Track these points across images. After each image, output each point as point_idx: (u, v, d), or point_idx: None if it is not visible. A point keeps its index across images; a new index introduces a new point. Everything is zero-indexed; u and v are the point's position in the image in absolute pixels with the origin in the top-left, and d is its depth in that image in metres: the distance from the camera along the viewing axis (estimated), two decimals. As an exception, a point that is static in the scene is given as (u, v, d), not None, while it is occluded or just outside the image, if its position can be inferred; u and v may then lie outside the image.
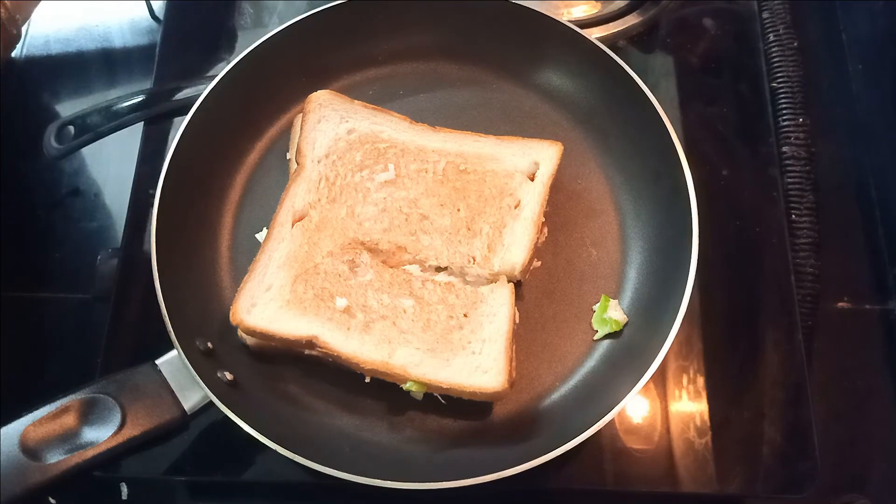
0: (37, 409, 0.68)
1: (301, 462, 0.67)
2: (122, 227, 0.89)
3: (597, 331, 0.80)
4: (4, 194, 0.96)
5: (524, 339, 0.79)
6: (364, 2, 0.88)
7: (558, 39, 0.87)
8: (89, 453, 0.68)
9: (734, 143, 0.93)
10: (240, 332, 0.76)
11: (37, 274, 0.93)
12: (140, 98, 0.93)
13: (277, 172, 0.87)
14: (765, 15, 1.01)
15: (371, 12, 0.89)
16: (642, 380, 0.70)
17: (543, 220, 0.81)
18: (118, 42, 1.07)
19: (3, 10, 0.87)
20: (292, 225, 0.79)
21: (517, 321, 0.78)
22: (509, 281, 0.78)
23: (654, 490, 0.78)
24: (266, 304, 0.75)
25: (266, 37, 0.85)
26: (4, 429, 0.67)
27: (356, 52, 0.91)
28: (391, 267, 0.78)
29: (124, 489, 0.79)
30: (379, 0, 0.89)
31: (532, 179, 0.82)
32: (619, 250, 0.84)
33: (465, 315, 0.76)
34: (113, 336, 0.83)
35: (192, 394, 0.71)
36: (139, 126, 0.93)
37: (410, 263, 0.79)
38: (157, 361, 0.73)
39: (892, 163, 0.95)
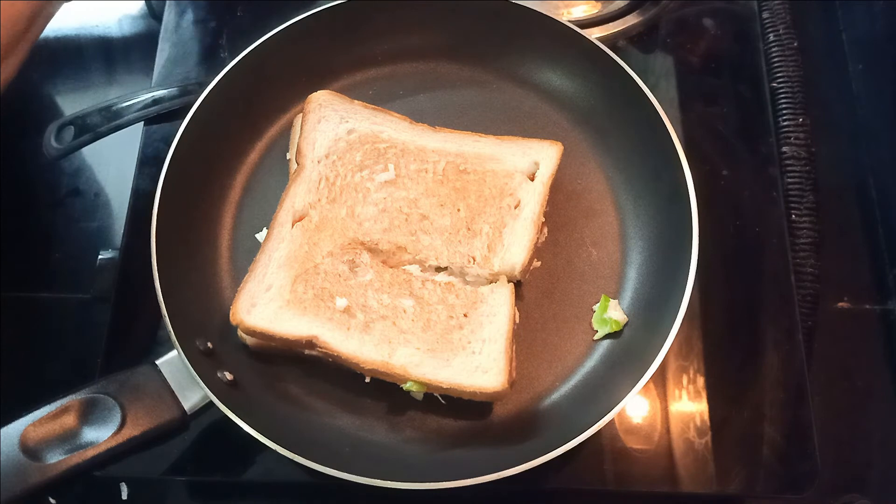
0: (37, 409, 0.68)
1: (301, 462, 0.67)
2: (122, 227, 0.89)
3: (597, 331, 0.80)
4: (4, 194, 0.96)
5: (524, 339, 0.79)
6: (364, 2, 0.88)
7: (558, 39, 0.87)
8: (89, 453, 0.68)
9: (734, 143, 0.93)
10: (240, 332, 0.76)
11: (37, 274, 0.93)
12: (140, 98, 0.93)
13: (277, 172, 0.87)
14: (765, 15, 1.01)
15: (371, 12, 0.89)
16: (642, 380, 0.70)
17: (543, 220, 0.81)
18: (118, 42, 1.07)
19: None
20: (292, 225, 0.79)
21: (517, 321, 0.78)
22: (509, 281, 0.78)
23: (654, 490, 0.78)
24: (266, 305, 0.75)
25: (266, 36, 0.85)
26: (4, 429, 0.67)
27: (356, 52, 0.91)
28: (391, 267, 0.78)
29: (124, 489, 0.79)
30: (379, 0, 0.89)
31: (532, 179, 0.82)
32: (619, 250, 0.84)
33: (465, 315, 0.76)
34: (113, 336, 0.83)
35: (192, 394, 0.71)
36: (139, 126, 0.93)
37: (410, 263, 0.79)
38: (157, 361, 0.72)
39: (892, 163, 0.95)
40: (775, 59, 0.99)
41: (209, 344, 0.76)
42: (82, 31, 1.08)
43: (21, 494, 0.66)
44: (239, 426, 0.68)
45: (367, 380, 0.75)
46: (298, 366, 0.78)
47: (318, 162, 0.82)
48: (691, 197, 0.77)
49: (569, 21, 0.88)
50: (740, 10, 1.02)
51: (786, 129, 0.95)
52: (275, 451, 0.67)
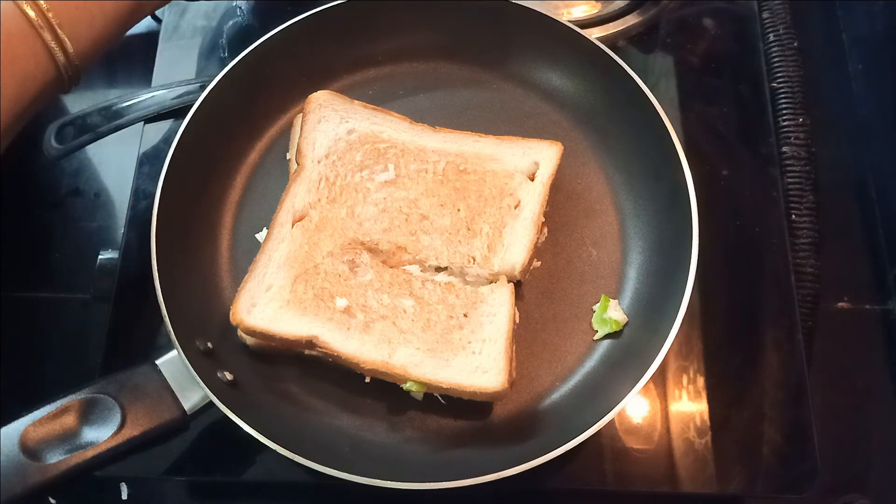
0: (37, 409, 0.68)
1: (301, 462, 0.67)
2: (122, 227, 0.89)
3: (597, 331, 0.80)
4: (4, 194, 0.96)
5: (524, 339, 0.79)
6: (364, 2, 0.88)
7: (558, 39, 0.87)
8: (89, 453, 0.68)
9: (734, 143, 0.93)
10: (240, 332, 0.76)
11: (37, 274, 0.93)
12: (140, 98, 0.93)
13: (277, 172, 0.87)
14: (765, 15, 1.01)
15: (371, 12, 0.89)
16: (642, 380, 0.70)
17: (543, 220, 0.81)
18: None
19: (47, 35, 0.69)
20: (292, 225, 0.79)
21: (517, 321, 0.78)
22: (509, 281, 0.78)
23: (654, 490, 0.78)
24: (266, 305, 0.75)
25: (266, 37, 0.85)
26: (4, 429, 0.67)
27: (356, 52, 0.91)
28: (391, 267, 0.78)
29: (124, 489, 0.79)
30: (379, 0, 0.89)
31: (532, 179, 0.82)
32: (619, 250, 0.84)
33: (465, 315, 0.76)
34: (113, 336, 0.82)
35: (192, 394, 0.71)
36: (139, 126, 0.93)
37: (410, 263, 0.79)
38: (157, 361, 0.72)
39: (892, 163, 0.95)
40: (775, 59, 0.98)
41: (209, 344, 0.76)
42: (82, 31, 1.08)
43: (21, 494, 0.66)
44: (239, 426, 0.68)
45: (367, 380, 0.75)
46: (298, 366, 0.78)
47: (318, 162, 0.82)
48: (691, 197, 0.77)
49: (569, 21, 0.88)
50: (740, 10, 1.02)
51: (786, 129, 0.95)
52: (275, 451, 0.67)
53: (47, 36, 0.69)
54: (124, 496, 0.79)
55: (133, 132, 0.93)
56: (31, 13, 0.67)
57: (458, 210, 0.80)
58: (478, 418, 0.76)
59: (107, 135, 0.92)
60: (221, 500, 0.83)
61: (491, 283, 0.78)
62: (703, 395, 0.81)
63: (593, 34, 0.95)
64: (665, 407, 0.80)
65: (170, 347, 0.72)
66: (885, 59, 0.99)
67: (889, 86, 0.98)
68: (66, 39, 0.70)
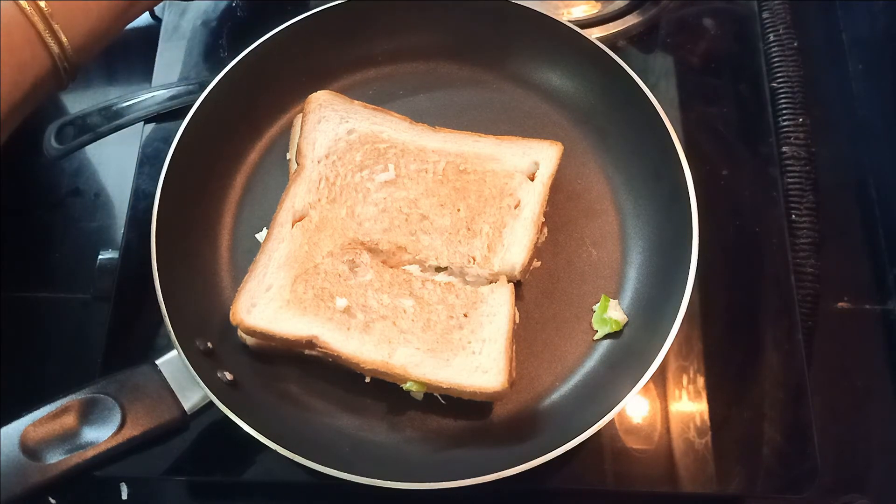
0: (37, 409, 0.68)
1: (301, 462, 0.67)
2: (122, 227, 0.89)
3: (597, 331, 0.80)
4: (4, 194, 0.96)
5: (524, 339, 0.79)
6: (364, 2, 0.88)
7: (558, 39, 0.87)
8: (89, 453, 0.68)
9: (734, 143, 0.93)
10: (240, 332, 0.76)
11: (37, 274, 0.93)
12: (140, 98, 0.93)
13: (277, 172, 0.87)
14: (765, 15, 1.01)
15: (371, 12, 0.89)
16: (642, 380, 0.70)
17: (543, 220, 0.81)
18: (118, 42, 1.07)
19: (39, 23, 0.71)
20: (292, 225, 0.79)
21: (517, 321, 0.78)
22: (509, 281, 0.78)
23: (654, 490, 0.78)
24: (266, 305, 0.75)
25: (266, 37, 0.85)
26: (4, 429, 0.67)
27: (356, 52, 0.91)
28: (391, 267, 0.78)
29: (124, 489, 0.79)
30: (379, 0, 0.89)
31: (532, 179, 0.82)
32: (619, 250, 0.84)
33: (465, 315, 0.76)
34: (113, 336, 0.82)
35: (192, 394, 0.71)
36: (139, 126, 0.93)
37: (410, 263, 0.79)
38: (157, 361, 0.72)
39: (892, 163, 0.95)
40: (775, 59, 0.98)
41: (209, 344, 0.76)
42: (82, 31, 1.08)
43: (21, 494, 0.66)
44: (239, 426, 0.68)
45: (367, 380, 0.75)
46: (298, 366, 0.78)
47: (318, 162, 0.82)
48: (691, 197, 0.77)
49: (569, 21, 0.88)
50: (740, 10, 1.02)
51: (786, 129, 0.95)
52: (275, 451, 0.67)
53: (41, 26, 0.70)
54: (124, 496, 0.79)
55: (133, 132, 0.93)
56: (25, 4, 0.69)
57: (458, 210, 0.80)
58: (478, 418, 0.76)
59: (107, 135, 0.92)
60: (221, 500, 0.83)
61: (491, 283, 0.78)
62: (703, 395, 0.81)
63: (593, 34, 0.95)
64: (665, 407, 0.80)
65: (170, 347, 0.72)
66: (885, 59, 0.99)
67: (889, 86, 0.98)
68: (59, 31, 0.72)
